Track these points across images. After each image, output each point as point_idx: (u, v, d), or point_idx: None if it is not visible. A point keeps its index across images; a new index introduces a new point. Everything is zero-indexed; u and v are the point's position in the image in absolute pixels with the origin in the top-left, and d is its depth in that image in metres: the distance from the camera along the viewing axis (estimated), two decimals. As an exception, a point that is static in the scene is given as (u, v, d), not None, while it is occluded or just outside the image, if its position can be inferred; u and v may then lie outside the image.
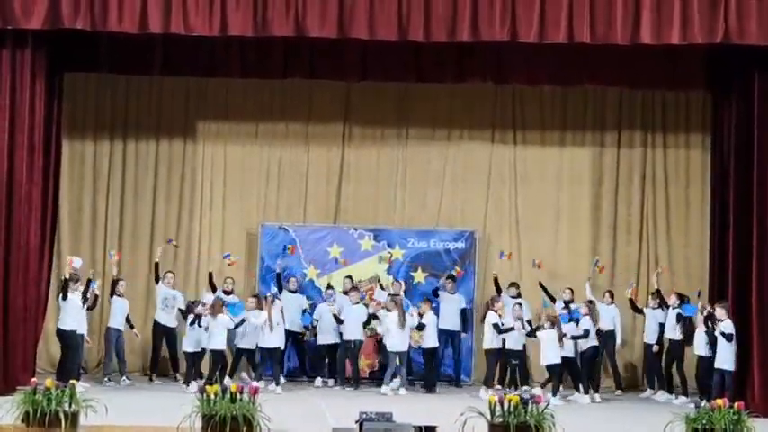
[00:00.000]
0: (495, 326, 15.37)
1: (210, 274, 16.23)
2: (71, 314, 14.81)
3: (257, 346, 15.49)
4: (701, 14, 13.61)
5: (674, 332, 15.51)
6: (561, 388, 15.14)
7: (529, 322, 15.70)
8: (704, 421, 11.08)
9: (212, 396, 10.94)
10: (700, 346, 14.88)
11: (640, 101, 17.22)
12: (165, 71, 16.02)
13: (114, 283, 15.81)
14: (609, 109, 17.31)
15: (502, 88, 16.88)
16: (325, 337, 16.04)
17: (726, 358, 14.31)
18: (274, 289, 16.03)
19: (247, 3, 13.66)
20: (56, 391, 11.01)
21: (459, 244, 16.87)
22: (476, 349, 16.62)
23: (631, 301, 16.18)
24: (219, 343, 14.99)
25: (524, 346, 15.75)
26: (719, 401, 11.27)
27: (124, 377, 15.63)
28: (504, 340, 15.55)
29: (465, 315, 16.36)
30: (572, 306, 15.79)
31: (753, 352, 14.31)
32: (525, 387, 15.47)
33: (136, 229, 16.98)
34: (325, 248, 16.81)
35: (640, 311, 16.15)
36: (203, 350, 15.33)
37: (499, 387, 15.35)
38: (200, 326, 15.06)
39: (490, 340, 15.47)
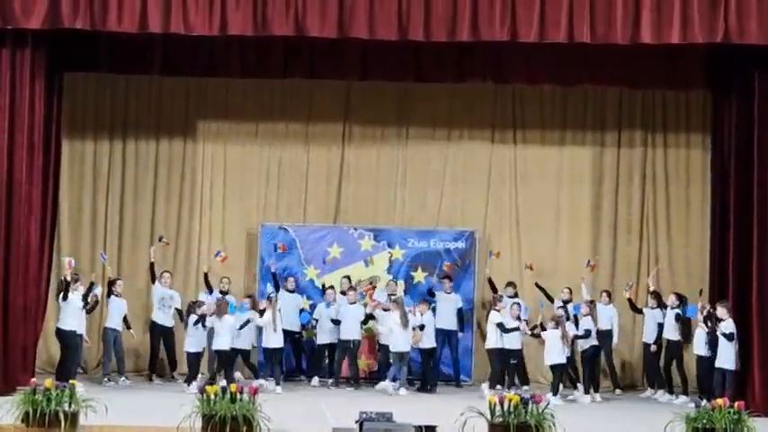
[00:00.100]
0: (500, 325, 15.33)
1: (206, 275, 16.22)
2: (71, 314, 14.80)
3: (262, 347, 15.47)
4: (701, 14, 13.61)
5: (673, 332, 15.51)
6: (561, 387, 15.14)
7: (526, 322, 15.70)
8: (704, 421, 11.08)
9: (212, 396, 10.94)
10: (699, 346, 14.88)
11: (640, 100, 17.22)
12: (164, 71, 16.01)
13: (111, 283, 15.81)
14: (609, 108, 17.30)
15: (502, 88, 16.88)
16: (325, 336, 16.04)
17: (727, 358, 14.30)
18: (271, 288, 16.03)
19: (247, 2, 13.65)
20: (55, 391, 11.00)
21: (460, 244, 16.87)
22: (476, 349, 16.63)
23: (630, 301, 16.18)
24: (225, 343, 14.97)
25: (522, 345, 15.76)
26: (720, 401, 11.27)
27: (123, 377, 15.62)
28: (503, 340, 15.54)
29: (462, 315, 16.36)
30: (569, 306, 15.82)
31: (753, 351, 14.31)
32: (525, 387, 15.49)
33: (136, 229, 16.96)
34: (325, 248, 16.81)
35: (640, 311, 16.14)
36: (203, 350, 15.32)
37: (499, 387, 15.34)
38: (204, 326, 15.05)
39: (494, 340, 15.43)
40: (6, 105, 14.16)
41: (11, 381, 13.86)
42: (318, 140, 17.26)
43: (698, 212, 16.98)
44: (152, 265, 16.15)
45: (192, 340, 15.20)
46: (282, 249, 16.62)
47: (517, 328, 15.40)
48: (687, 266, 16.98)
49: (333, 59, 15.61)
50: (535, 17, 13.70)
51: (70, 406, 11.04)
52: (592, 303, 15.66)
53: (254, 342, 15.67)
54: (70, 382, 11.40)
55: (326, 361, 16.18)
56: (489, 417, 10.99)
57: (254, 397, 11.10)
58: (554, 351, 15.09)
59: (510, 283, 16.45)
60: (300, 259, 16.75)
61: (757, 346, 14.29)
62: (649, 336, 15.83)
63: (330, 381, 15.95)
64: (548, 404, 11.16)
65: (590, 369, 15.49)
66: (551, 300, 16.17)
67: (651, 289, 16.08)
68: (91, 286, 15.23)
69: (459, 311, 16.32)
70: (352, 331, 15.83)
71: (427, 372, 15.80)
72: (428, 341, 15.73)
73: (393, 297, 16.01)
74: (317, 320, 16.15)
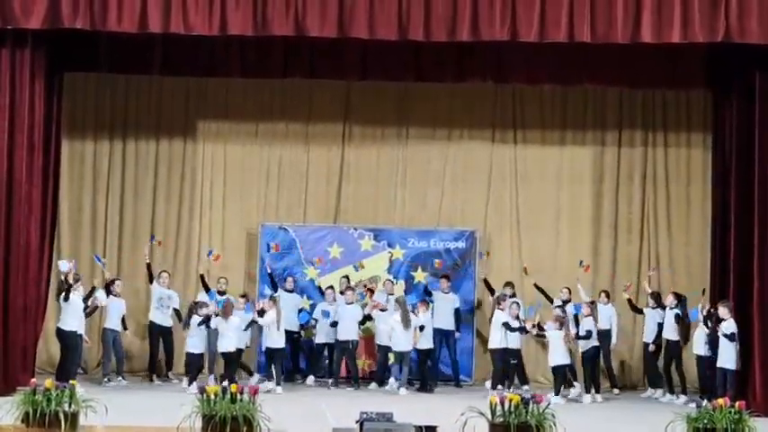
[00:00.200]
0: (506, 324, 15.30)
1: (202, 276, 16.21)
2: (72, 315, 14.79)
3: (264, 347, 15.48)
4: (701, 13, 13.59)
5: (672, 332, 15.49)
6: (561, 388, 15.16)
7: (523, 321, 15.67)
8: (705, 421, 11.05)
9: (212, 396, 10.93)
10: (699, 346, 14.87)
11: (641, 100, 17.21)
12: (164, 71, 16.01)
13: (110, 283, 15.80)
14: (609, 108, 17.29)
15: (502, 88, 16.87)
16: (323, 336, 16.05)
17: (728, 357, 14.28)
18: (269, 289, 16.03)
19: (247, 2, 13.64)
20: (55, 391, 10.99)
21: (460, 243, 16.86)
22: (476, 349, 16.62)
23: (630, 302, 16.17)
24: (231, 345, 14.94)
25: (521, 345, 15.74)
26: (721, 401, 11.25)
27: (120, 377, 15.60)
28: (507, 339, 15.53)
29: (459, 315, 16.35)
30: (569, 306, 15.82)
31: (754, 351, 14.29)
32: (525, 387, 15.48)
33: (136, 229, 16.96)
34: (325, 248, 16.80)
35: (640, 311, 16.12)
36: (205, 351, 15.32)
37: (500, 387, 15.32)
38: (208, 327, 15.02)
39: (498, 340, 15.38)
40: (6, 105, 14.15)
41: (11, 381, 13.86)
42: (318, 140, 17.26)
43: (698, 212, 16.98)
44: (148, 265, 16.14)
45: (194, 341, 15.17)
46: (275, 249, 16.61)
47: (524, 328, 15.39)
48: (688, 265, 16.97)
49: (333, 59, 15.60)
50: (535, 17, 13.69)
51: (70, 406, 11.01)
52: (592, 304, 15.65)
53: (248, 342, 15.64)
54: (70, 382, 11.38)
55: (326, 361, 16.19)
56: (490, 417, 10.98)
57: (254, 397, 11.08)
58: (558, 352, 15.08)
59: (508, 283, 16.43)
60: (301, 259, 16.74)
61: (758, 346, 14.27)
62: (649, 336, 15.81)
63: (330, 381, 15.94)
64: (548, 404, 11.14)
65: (590, 369, 15.47)
66: (551, 300, 16.15)
67: (648, 291, 16.07)
68: (92, 291, 15.24)
69: (457, 311, 16.32)
70: (349, 332, 15.83)
71: (425, 372, 15.79)
72: (426, 342, 15.72)
73: (396, 297, 16.01)
74: (316, 320, 16.15)
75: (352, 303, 15.90)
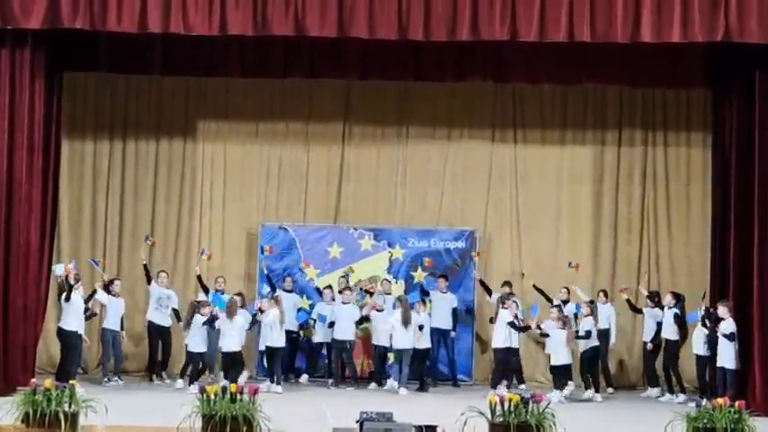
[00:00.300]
0: (512, 324, 15.29)
1: (199, 277, 16.19)
2: (73, 315, 14.78)
3: (265, 346, 15.46)
4: (701, 13, 13.58)
5: (671, 332, 15.49)
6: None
7: (522, 321, 15.67)
8: (705, 420, 11.05)
9: (212, 396, 10.92)
10: (698, 346, 14.87)
11: (641, 99, 17.21)
12: (164, 71, 16.01)
13: (109, 283, 15.79)
14: (609, 107, 17.29)
15: (502, 87, 16.87)
16: (321, 336, 16.07)
17: (727, 357, 14.28)
18: (267, 289, 16.02)
19: (247, 2, 13.63)
20: (55, 391, 10.99)
21: (460, 243, 16.86)
22: (476, 349, 16.62)
23: (629, 302, 16.17)
24: (234, 344, 14.94)
25: (519, 344, 15.75)
26: (720, 400, 11.24)
27: (116, 377, 15.59)
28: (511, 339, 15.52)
29: (456, 314, 16.34)
30: (568, 306, 15.81)
31: (754, 351, 14.29)
32: (522, 386, 15.48)
33: (136, 229, 16.95)
34: (325, 248, 16.80)
35: (639, 311, 16.12)
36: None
37: (500, 386, 15.33)
38: (212, 327, 15.01)
39: (503, 339, 15.34)
40: (6, 105, 14.15)
41: (11, 381, 13.86)
42: (318, 140, 17.26)
43: (698, 211, 16.98)
44: (145, 266, 16.14)
45: (196, 340, 15.14)
46: (269, 252, 16.60)
47: (529, 327, 15.39)
48: (688, 265, 16.97)
49: (333, 59, 15.60)
50: (535, 16, 13.68)
51: (70, 406, 11.00)
52: (592, 304, 15.65)
53: (243, 341, 15.61)
54: (70, 382, 11.38)
55: (326, 361, 16.19)
56: (490, 416, 10.98)
57: (254, 397, 11.08)
58: (560, 352, 15.07)
59: (506, 283, 16.43)
60: (300, 259, 16.74)
61: (758, 346, 14.27)
62: (649, 335, 15.81)
63: (330, 381, 15.95)
64: (548, 404, 11.14)
65: (590, 369, 15.47)
66: (550, 300, 16.14)
67: (645, 294, 16.08)
68: (93, 293, 15.24)
69: (454, 311, 16.32)
70: (346, 331, 15.83)
71: (422, 371, 15.78)
72: (424, 341, 15.71)
73: (398, 295, 16.00)
74: (315, 320, 16.15)
75: (348, 303, 15.90)
